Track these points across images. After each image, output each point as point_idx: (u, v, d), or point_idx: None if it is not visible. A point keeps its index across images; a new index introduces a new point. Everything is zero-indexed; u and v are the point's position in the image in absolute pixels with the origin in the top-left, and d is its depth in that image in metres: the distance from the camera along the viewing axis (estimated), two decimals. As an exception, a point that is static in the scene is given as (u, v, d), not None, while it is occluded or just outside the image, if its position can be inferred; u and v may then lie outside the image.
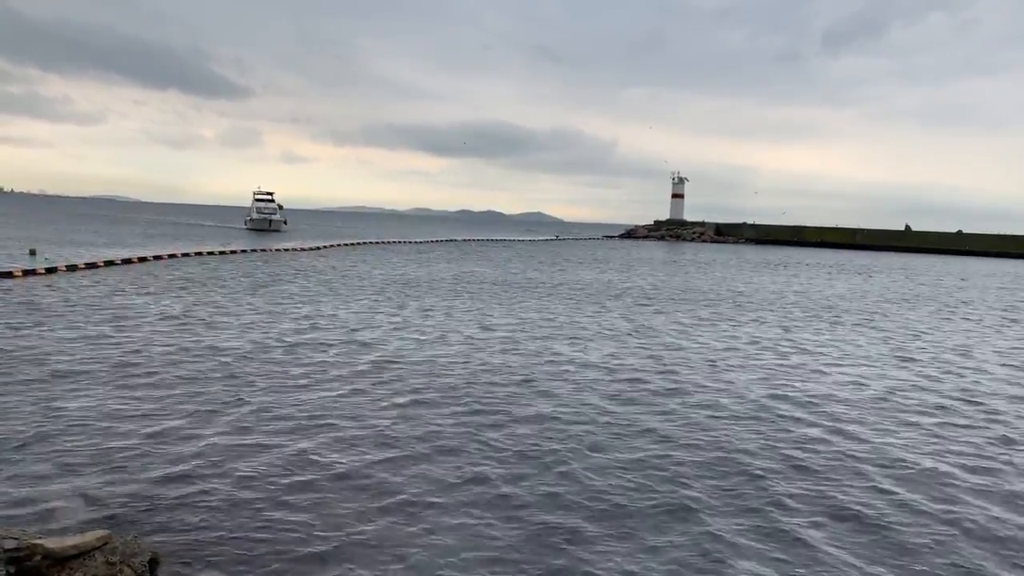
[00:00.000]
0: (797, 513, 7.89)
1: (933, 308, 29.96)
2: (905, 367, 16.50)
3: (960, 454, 10.18)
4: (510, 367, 14.55)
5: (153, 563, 6.02)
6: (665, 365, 15.43)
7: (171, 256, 37.40)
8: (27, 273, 26.36)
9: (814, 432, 10.89)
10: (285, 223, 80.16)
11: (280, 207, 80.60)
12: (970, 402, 13.29)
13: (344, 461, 8.83)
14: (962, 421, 11.94)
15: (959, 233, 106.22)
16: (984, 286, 43.88)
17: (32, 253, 32.54)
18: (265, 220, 76.61)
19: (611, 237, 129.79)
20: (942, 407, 12.80)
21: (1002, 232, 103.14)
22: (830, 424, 11.38)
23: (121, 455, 8.61)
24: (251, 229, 76.77)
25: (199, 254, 39.78)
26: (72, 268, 28.88)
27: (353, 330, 18.09)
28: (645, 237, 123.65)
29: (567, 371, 14.42)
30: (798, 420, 11.57)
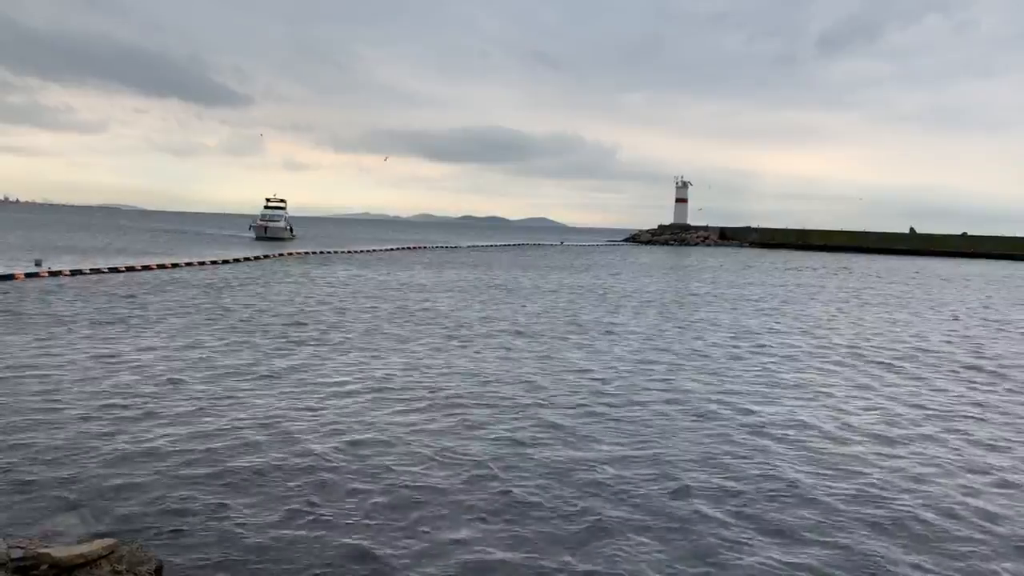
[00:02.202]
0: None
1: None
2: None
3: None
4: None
5: (159, 571, 6.00)
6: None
7: (175, 265, 37.58)
8: (29, 277, 26.81)
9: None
10: (290, 230, 79.20)
11: (284, 218, 79.36)
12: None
13: (352, 470, 8.81)
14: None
15: (964, 235, 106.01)
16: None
17: (38, 264, 32.72)
18: (262, 228, 75.59)
19: (615, 242, 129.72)
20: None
21: (1006, 234, 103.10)
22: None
23: (126, 463, 8.60)
24: (255, 238, 76.28)
25: (201, 263, 40.06)
26: (76, 273, 29.34)
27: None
28: (649, 241, 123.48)
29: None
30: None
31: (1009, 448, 10.63)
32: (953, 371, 16.54)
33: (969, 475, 9.37)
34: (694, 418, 11.60)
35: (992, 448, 10.59)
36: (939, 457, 10.06)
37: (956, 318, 27.51)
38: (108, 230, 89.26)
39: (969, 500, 8.49)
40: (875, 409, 12.66)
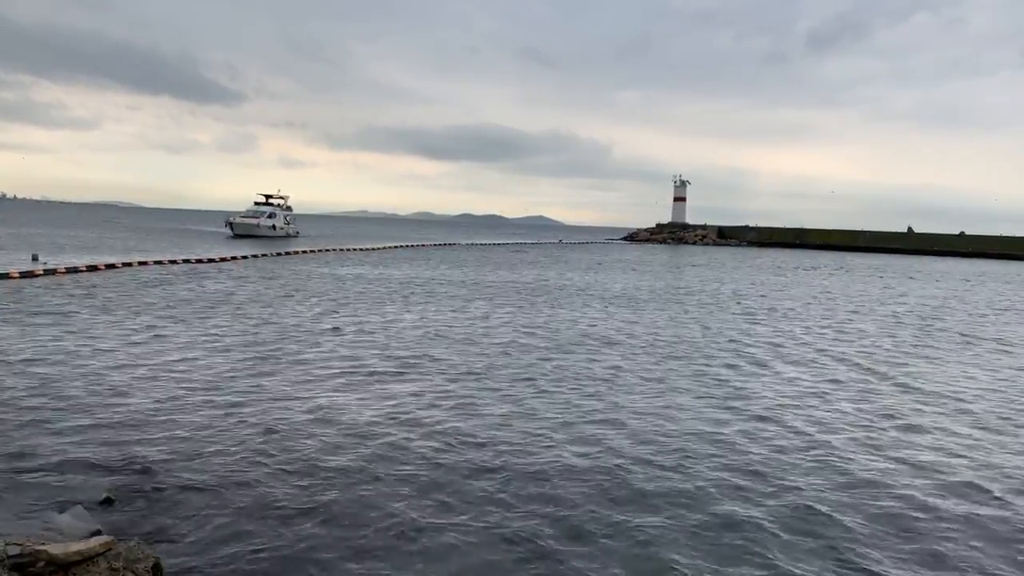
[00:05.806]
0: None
1: None
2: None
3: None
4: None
5: (157, 569, 5.97)
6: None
7: (171, 262, 37.60)
8: (24, 275, 26.60)
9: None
10: (273, 228, 75.06)
11: (272, 214, 76.22)
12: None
13: (352, 468, 8.78)
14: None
15: (961, 235, 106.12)
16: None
17: (34, 259, 32.70)
18: (229, 225, 72.81)
19: (613, 240, 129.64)
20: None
21: (1004, 234, 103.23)
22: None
23: (124, 460, 8.56)
24: (232, 235, 72.69)
25: (199, 261, 40.09)
26: (72, 270, 29.23)
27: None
28: (647, 240, 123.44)
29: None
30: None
31: None
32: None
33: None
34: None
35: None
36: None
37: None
38: (111, 227, 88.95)
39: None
40: None
